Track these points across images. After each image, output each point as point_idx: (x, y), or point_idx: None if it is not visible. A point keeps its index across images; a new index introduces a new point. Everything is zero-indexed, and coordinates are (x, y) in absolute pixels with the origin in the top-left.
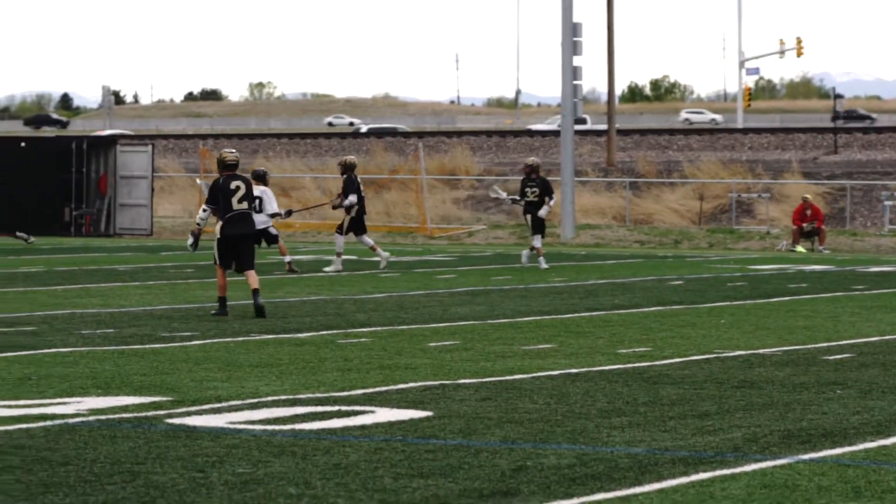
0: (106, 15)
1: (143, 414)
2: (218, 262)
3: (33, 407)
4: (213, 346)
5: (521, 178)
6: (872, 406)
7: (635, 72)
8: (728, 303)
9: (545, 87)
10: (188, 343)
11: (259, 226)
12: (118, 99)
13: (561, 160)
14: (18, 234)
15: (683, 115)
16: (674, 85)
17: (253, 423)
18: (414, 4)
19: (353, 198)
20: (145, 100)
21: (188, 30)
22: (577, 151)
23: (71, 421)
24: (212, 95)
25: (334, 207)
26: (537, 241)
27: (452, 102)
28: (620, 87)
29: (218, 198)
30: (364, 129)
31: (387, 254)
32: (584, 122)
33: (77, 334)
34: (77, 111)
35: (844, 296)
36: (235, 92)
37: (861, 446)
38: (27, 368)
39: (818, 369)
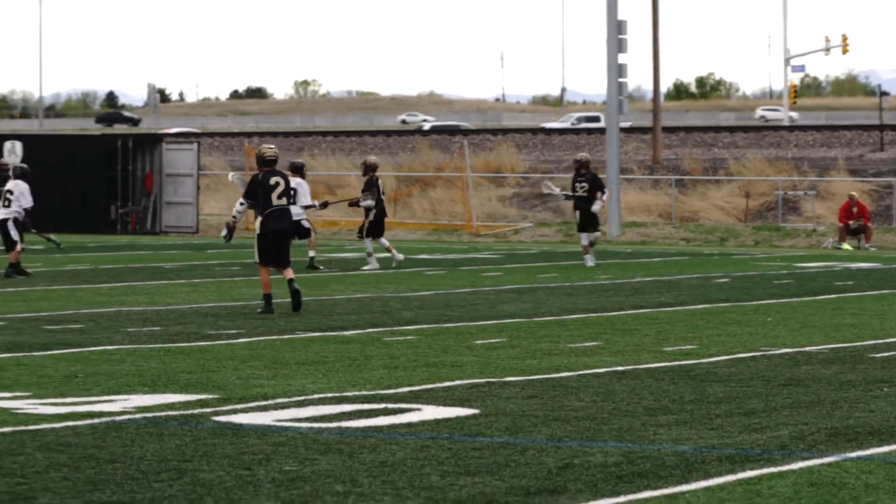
0: (151, 13)
1: (190, 412)
2: (259, 261)
3: (80, 405)
4: (260, 344)
5: (571, 174)
6: None
7: (680, 69)
8: (774, 300)
9: (590, 84)
10: (234, 341)
11: (293, 217)
12: (163, 97)
13: (606, 158)
14: (50, 237)
15: (759, 112)
16: (719, 82)
17: (299, 420)
18: (460, 2)
19: (370, 201)
20: (191, 98)
21: (233, 28)
22: (623, 149)
23: (118, 419)
24: (257, 93)
25: (350, 204)
26: (585, 239)
27: (497, 100)
28: (666, 85)
29: (257, 193)
30: (426, 126)
31: (401, 256)
32: (597, 119)
33: (123, 332)
34: (122, 109)
35: (891, 293)
36: (280, 90)
37: None
38: (74, 366)
39: (865, 367)
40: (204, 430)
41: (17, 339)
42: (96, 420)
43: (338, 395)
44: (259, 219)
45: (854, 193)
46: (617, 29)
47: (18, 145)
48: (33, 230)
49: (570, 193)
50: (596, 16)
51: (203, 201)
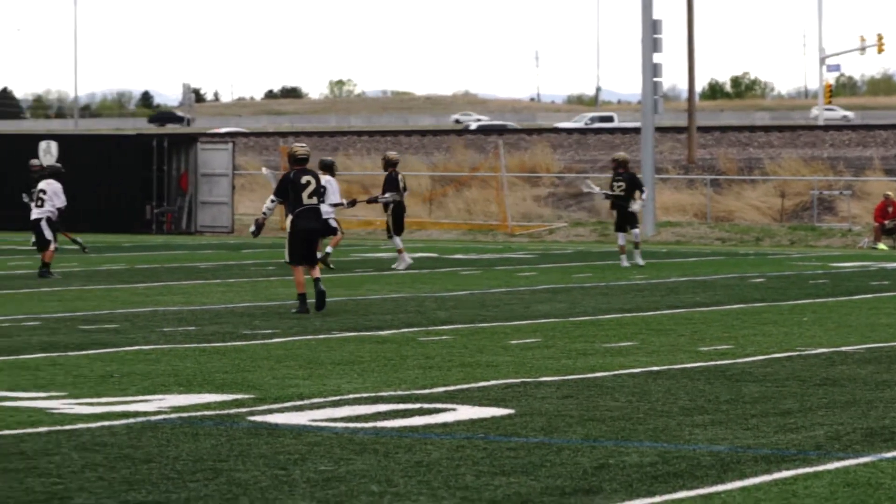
0: (186, 13)
1: (225, 412)
2: (290, 261)
3: (115, 404)
4: (295, 344)
5: (608, 174)
6: None
7: (715, 69)
8: (810, 300)
9: (625, 84)
10: (269, 341)
11: (322, 215)
12: (198, 97)
13: (641, 157)
14: (77, 239)
15: (814, 112)
16: (754, 82)
17: (335, 420)
18: (494, 1)
19: (389, 195)
20: (225, 98)
21: (268, 28)
22: (658, 149)
23: (153, 418)
24: (292, 93)
25: (368, 202)
26: (622, 239)
27: (532, 100)
28: (701, 84)
29: (287, 191)
30: (473, 125)
31: (410, 260)
32: (611, 119)
33: (159, 332)
34: (157, 109)
35: None
36: (315, 90)
37: None
38: (109, 366)
39: None
40: (239, 430)
41: (53, 338)
42: (132, 420)
43: (373, 395)
44: (290, 217)
45: (890, 193)
46: (652, 28)
47: (54, 145)
48: (61, 230)
49: (610, 192)
50: (631, 15)
51: (238, 201)
